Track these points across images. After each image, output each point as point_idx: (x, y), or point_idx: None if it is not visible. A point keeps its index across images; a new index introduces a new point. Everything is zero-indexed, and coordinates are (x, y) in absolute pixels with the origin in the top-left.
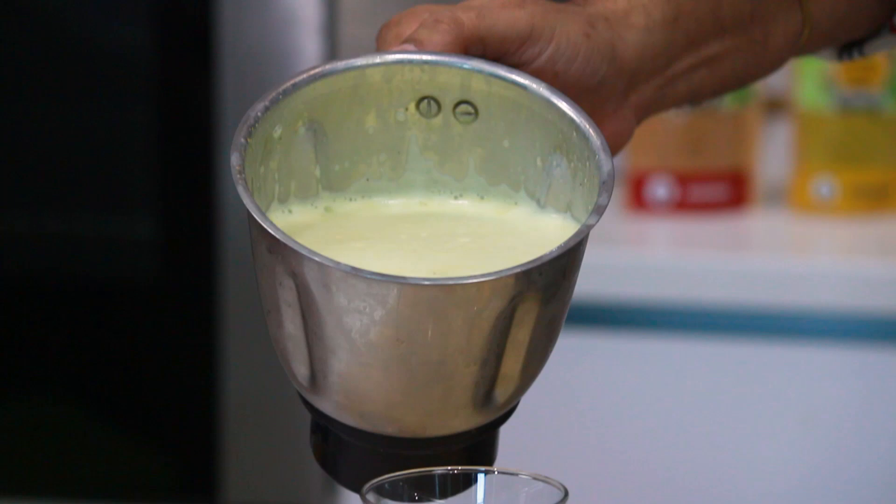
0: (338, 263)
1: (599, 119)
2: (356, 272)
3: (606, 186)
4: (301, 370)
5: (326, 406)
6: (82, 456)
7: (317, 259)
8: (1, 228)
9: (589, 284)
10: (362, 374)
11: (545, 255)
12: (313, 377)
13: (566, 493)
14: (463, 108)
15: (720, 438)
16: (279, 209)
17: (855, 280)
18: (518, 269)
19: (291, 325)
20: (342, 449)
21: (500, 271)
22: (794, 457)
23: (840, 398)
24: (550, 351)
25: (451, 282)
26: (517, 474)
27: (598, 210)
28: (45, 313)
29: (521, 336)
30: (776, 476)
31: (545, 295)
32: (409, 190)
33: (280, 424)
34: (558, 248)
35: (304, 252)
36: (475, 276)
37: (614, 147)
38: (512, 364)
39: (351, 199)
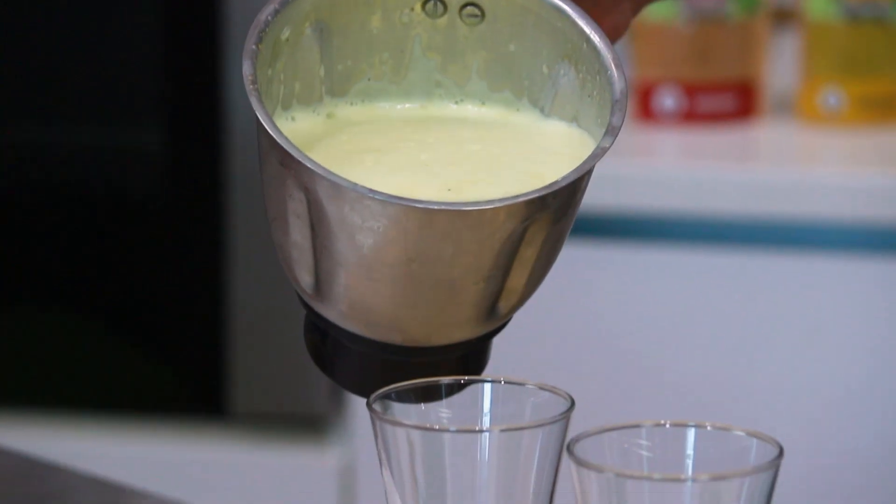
0: (355, 185)
1: (598, 14)
2: (373, 194)
3: (620, 105)
4: (305, 278)
5: (329, 313)
6: (89, 368)
7: (333, 179)
8: (7, 140)
9: (596, 195)
10: (370, 289)
11: (561, 180)
12: (318, 286)
13: (572, 403)
14: (469, 9)
15: (726, 349)
16: (282, 116)
17: (862, 190)
18: (534, 195)
19: (298, 234)
20: (340, 352)
21: (517, 196)
22: (799, 367)
23: (848, 308)
24: (554, 262)
25: (467, 207)
26: (524, 384)
27: (612, 131)
28: (52, 225)
29: (529, 253)
30: (782, 387)
31: (556, 216)
32: (410, 94)
33: (287, 336)
34: (574, 171)
35: (320, 171)
36: (492, 202)
37: (612, 40)
38: (517, 279)
39: (352, 104)
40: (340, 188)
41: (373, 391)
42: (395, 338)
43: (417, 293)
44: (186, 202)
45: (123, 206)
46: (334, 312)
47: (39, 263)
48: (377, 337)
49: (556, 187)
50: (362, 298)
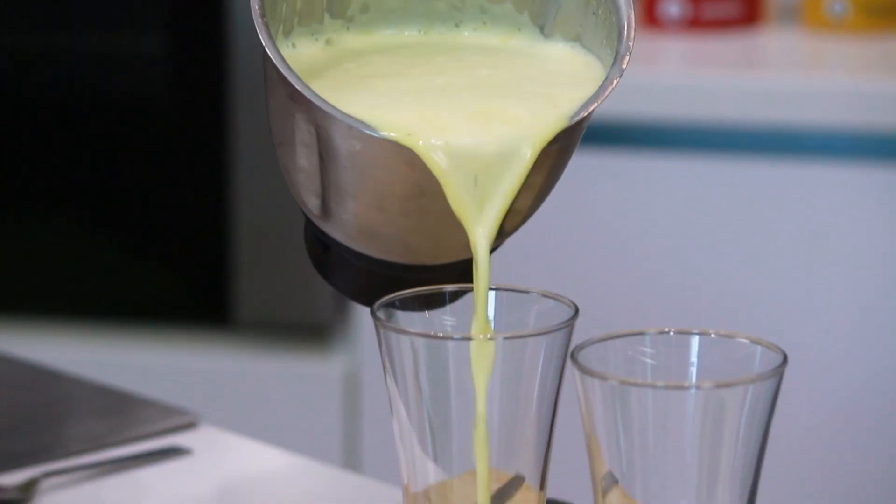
0: (374, 131)
1: None
2: (386, 137)
3: (629, 31)
4: (312, 201)
5: (336, 234)
6: (94, 276)
7: (349, 122)
8: (12, 47)
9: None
10: (380, 219)
11: (582, 108)
12: (325, 210)
13: (576, 311)
14: None
15: (730, 257)
16: (284, 43)
17: (866, 97)
18: (551, 129)
19: (306, 162)
20: (343, 265)
21: (534, 134)
22: (804, 275)
23: (852, 215)
24: (558, 181)
25: (488, 144)
26: (528, 292)
27: (622, 60)
28: (56, 132)
29: (537, 179)
30: (786, 293)
31: (565, 143)
32: (408, 19)
33: (292, 245)
34: (592, 98)
35: (334, 112)
36: (511, 138)
37: None
38: (524, 201)
39: (349, 28)
40: (355, 131)
41: (374, 300)
42: (401, 258)
43: (426, 223)
44: (190, 109)
45: (127, 112)
46: (341, 235)
47: (44, 170)
48: (383, 257)
49: (578, 117)
50: (370, 225)
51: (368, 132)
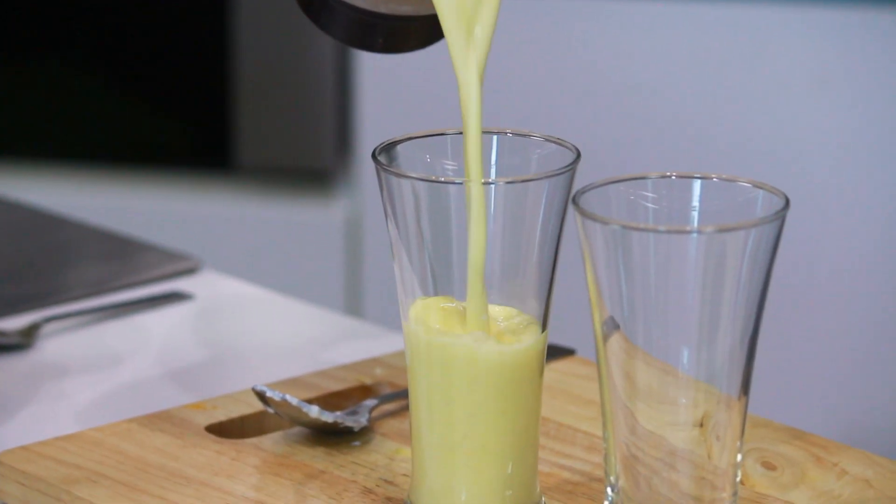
0: None
1: None
2: None
3: None
4: None
5: None
6: (96, 121)
7: None
8: None
9: None
10: None
11: None
12: None
13: (578, 154)
14: None
15: (735, 101)
16: None
17: None
18: None
19: None
20: (326, 9)
21: None
22: (808, 117)
23: (856, 59)
24: None
25: None
26: (529, 136)
27: None
28: None
29: None
30: (791, 136)
31: None
32: None
33: (294, 89)
34: None
35: None
36: None
37: None
38: None
39: None
40: None
41: (354, 43)
42: (384, 9)
43: None
44: None
45: None
46: None
47: (46, 15)
48: (369, 7)
49: None
50: None
51: None
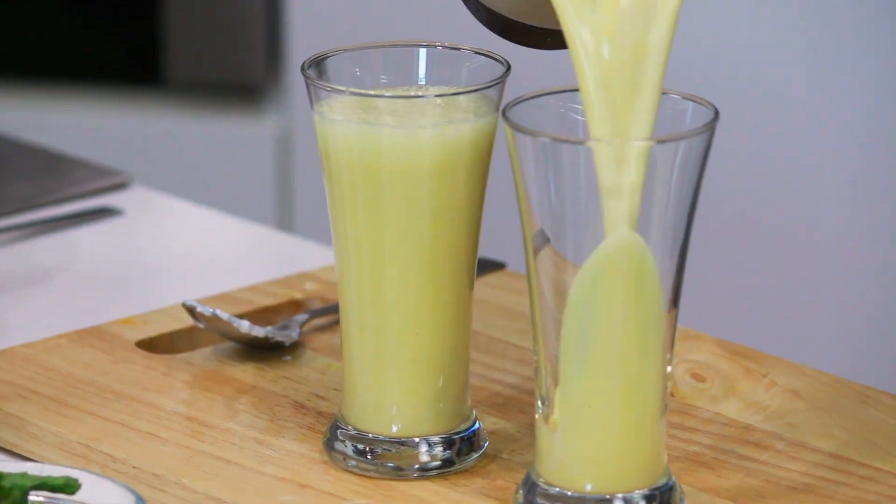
0: None
1: None
2: None
3: None
4: None
5: None
6: (25, 36)
7: None
8: None
9: None
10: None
11: None
12: None
13: (508, 67)
14: None
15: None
16: None
17: None
18: None
19: None
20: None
21: None
22: (799, 56)
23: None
24: None
25: None
26: (459, 48)
27: None
28: None
29: None
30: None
31: None
32: None
33: (224, 3)
34: None
35: None
36: None
37: None
38: None
39: None
40: None
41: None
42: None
43: None
44: None
45: None
46: None
47: None
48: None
49: None
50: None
51: None
